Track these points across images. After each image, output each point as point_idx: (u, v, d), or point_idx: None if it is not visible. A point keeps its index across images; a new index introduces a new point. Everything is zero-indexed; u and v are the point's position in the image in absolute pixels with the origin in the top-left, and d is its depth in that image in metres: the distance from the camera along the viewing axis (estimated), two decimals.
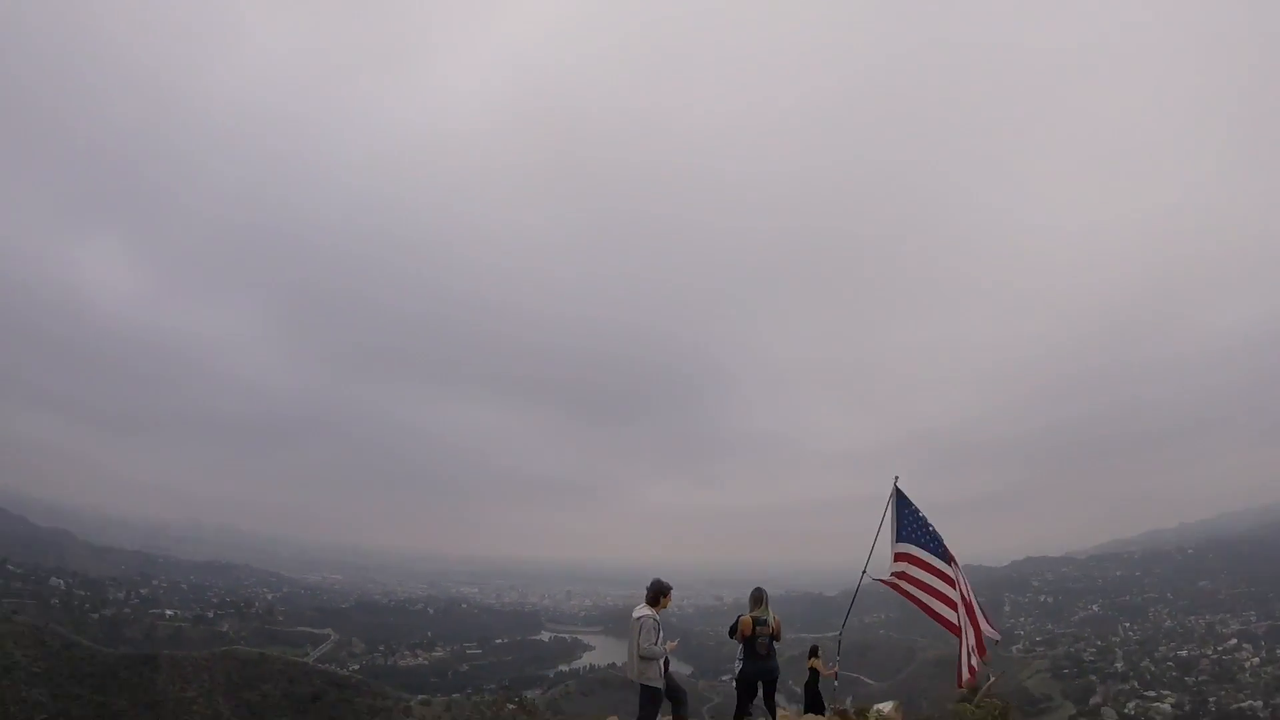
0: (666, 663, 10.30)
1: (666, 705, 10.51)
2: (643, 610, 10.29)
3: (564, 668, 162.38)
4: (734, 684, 11.69)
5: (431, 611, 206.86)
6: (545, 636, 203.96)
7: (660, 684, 10.05)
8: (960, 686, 12.40)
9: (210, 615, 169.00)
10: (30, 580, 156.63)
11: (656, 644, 9.99)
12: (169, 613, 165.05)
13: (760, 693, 11.70)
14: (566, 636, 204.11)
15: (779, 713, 12.23)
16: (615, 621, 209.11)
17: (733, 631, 11.78)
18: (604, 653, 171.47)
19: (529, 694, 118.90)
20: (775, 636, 11.56)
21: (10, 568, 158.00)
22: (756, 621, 11.47)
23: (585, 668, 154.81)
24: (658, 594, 10.41)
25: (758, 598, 11.78)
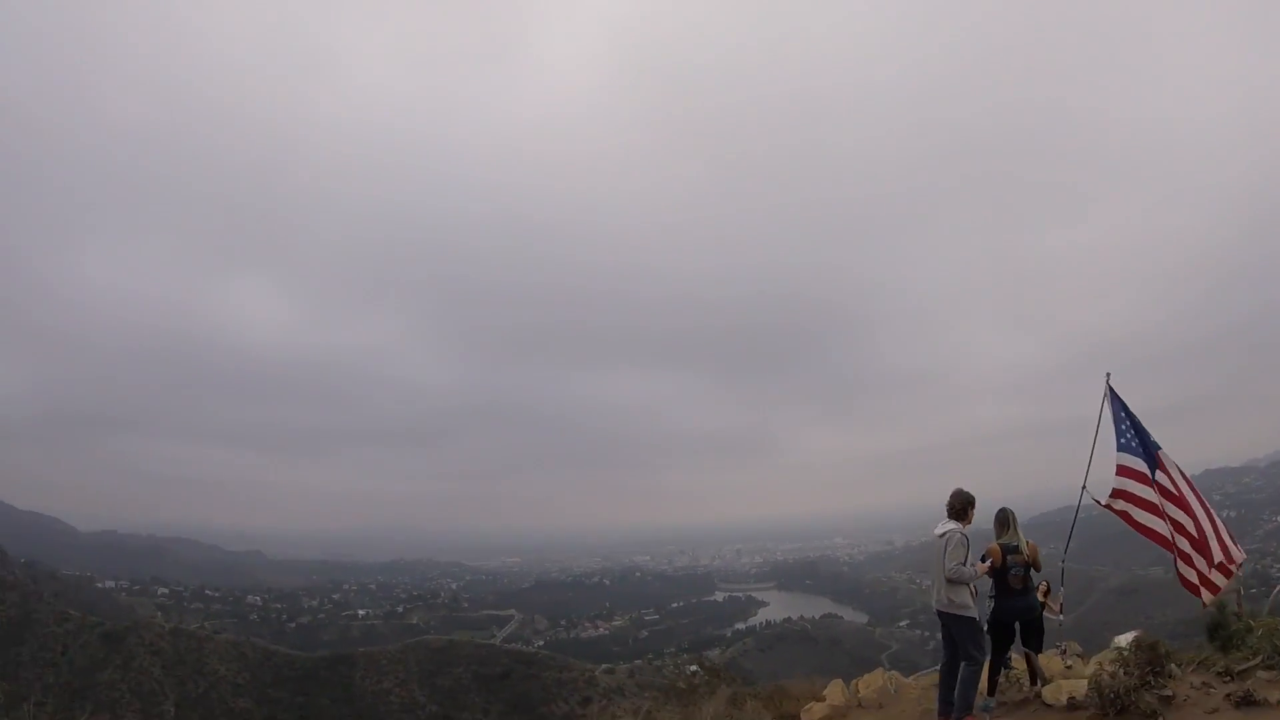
0: (975, 591, 8.42)
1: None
2: (948, 525, 8.51)
3: (740, 625, 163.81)
4: (985, 629, 8.80)
5: (608, 583, 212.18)
6: (719, 597, 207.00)
7: (973, 612, 8.33)
8: (1205, 606, 10.22)
9: (399, 610, 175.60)
10: (228, 601, 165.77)
11: (966, 563, 8.21)
12: (361, 613, 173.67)
13: (1019, 634, 9.16)
14: (740, 595, 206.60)
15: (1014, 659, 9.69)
16: (786, 576, 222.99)
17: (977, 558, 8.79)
18: (778, 608, 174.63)
19: (708, 654, 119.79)
20: (1033, 565, 8.96)
21: (209, 592, 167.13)
22: (1007, 549, 8.86)
23: (761, 624, 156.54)
24: (964, 505, 8.56)
25: (1004, 520, 9.08)
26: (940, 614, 8.51)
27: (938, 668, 9.62)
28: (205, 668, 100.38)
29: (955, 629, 8.40)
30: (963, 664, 8.33)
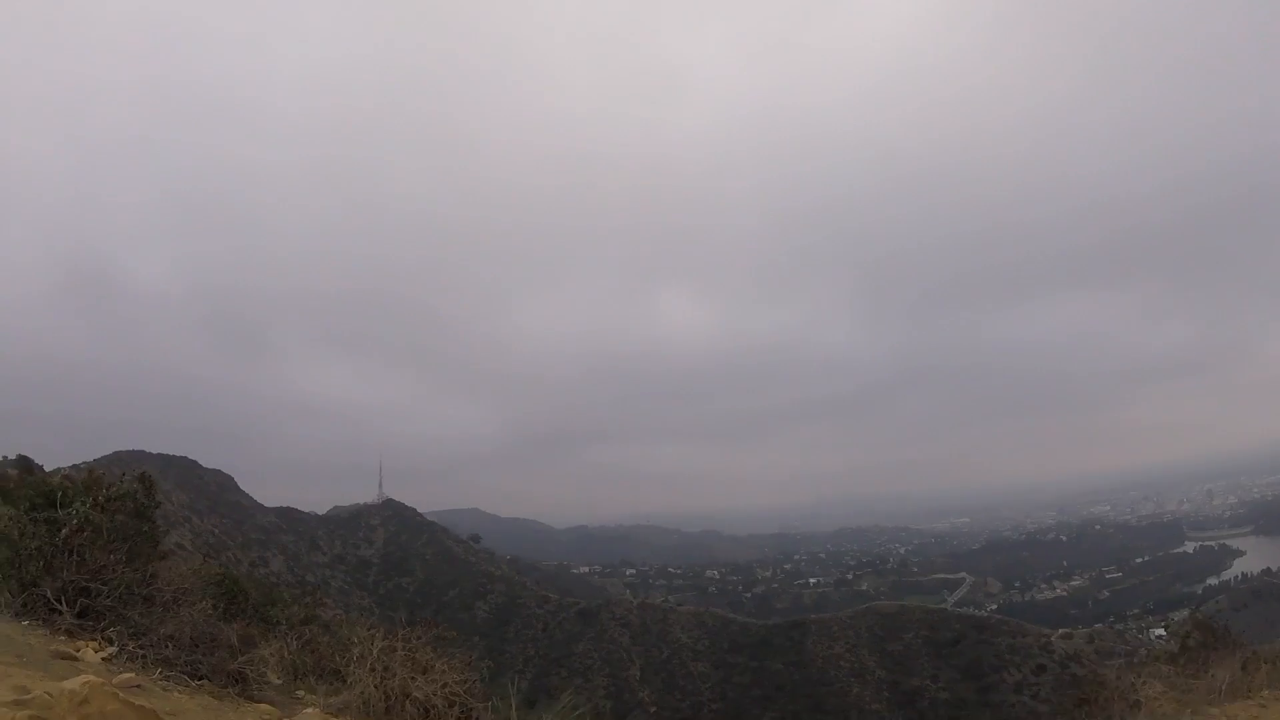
0: None
1: None
2: None
3: (1212, 581, 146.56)
4: None
5: (1064, 539, 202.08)
6: (1189, 547, 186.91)
7: None
8: None
9: (849, 577, 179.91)
10: (689, 576, 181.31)
11: None
12: (812, 581, 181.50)
13: None
14: (1212, 544, 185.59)
15: None
16: (1267, 517, 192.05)
17: None
18: (1256, 557, 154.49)
19: (1174, 616, 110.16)
20: None
21: (671, 570, 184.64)
22: None
23: (1236, 578, 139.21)
24: None
25: None
26: None
27: None
28: (668, 636, 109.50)
29: None
30: None
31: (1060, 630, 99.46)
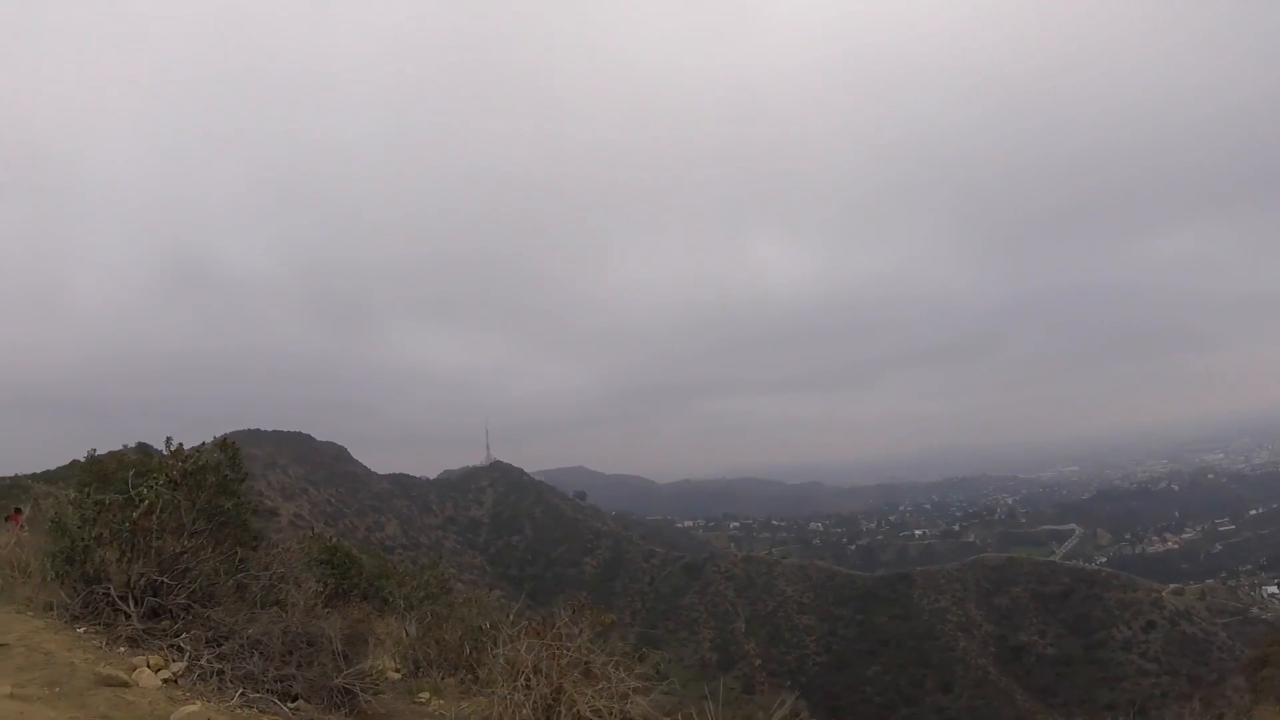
0: None
1: None
2: None
3: None
4: None
5: (1176, 488, 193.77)
6: None
7: None
8: None
9: (955, 529, 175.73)
10: (792, 529, 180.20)
11: None
12: (918, 533, 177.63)
13: None
14: None
15: None
16: None
17: None
18: None
19: None
20: None
21: (775, 523, 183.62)
22: None
23: None
24: None
25: None
26: None
27: None
28: (773, 589, 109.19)
29: None
30: None
31: (1171, 585, 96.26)
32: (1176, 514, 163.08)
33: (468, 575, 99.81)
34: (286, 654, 5.64)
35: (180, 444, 9.92)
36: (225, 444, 10.81)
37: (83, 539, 6.87)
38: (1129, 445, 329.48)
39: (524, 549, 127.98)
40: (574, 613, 5.91)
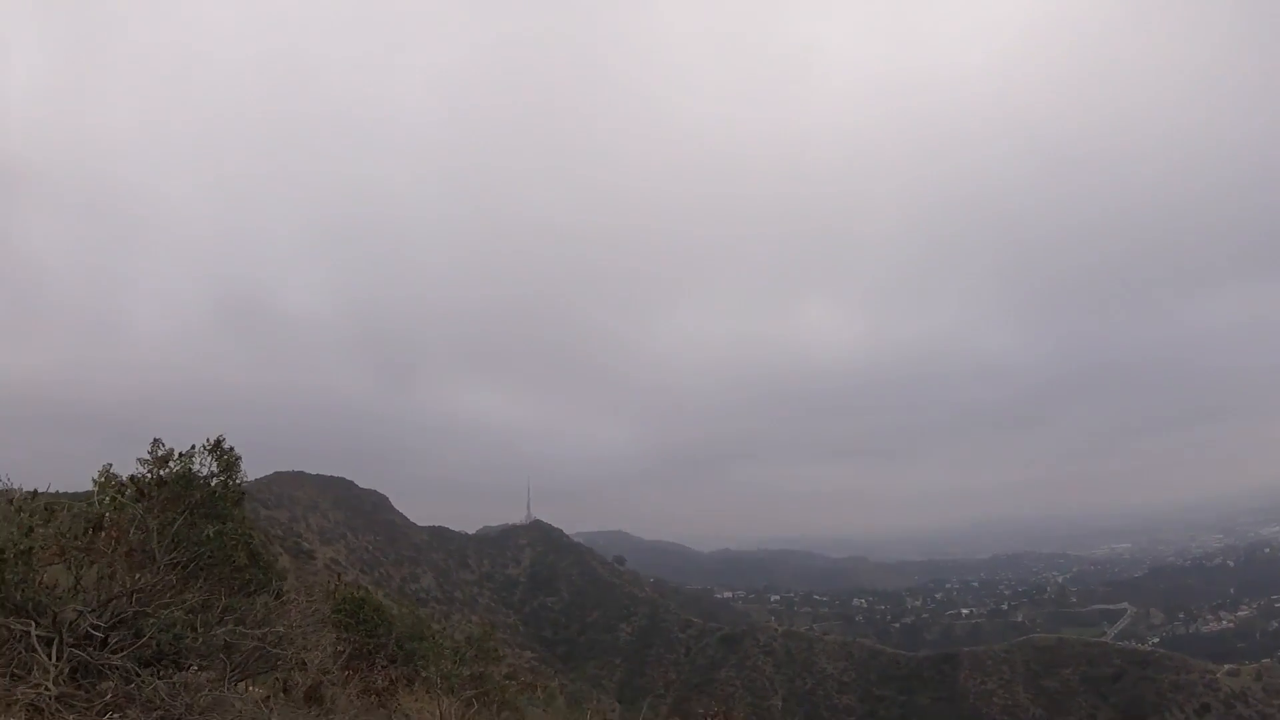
0: None
1: None
2: None
3: None
4: None
5: (1231, 564, 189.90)
6: None
7: None
8: None
9: (1004, 607, 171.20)
10: (834, 604, 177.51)
11: None
12: (964, 611, 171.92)
13: None
14: None
15: None
16: None
17: None
18: None
19: None
20: None
21: (816, 597, 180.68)
22: None
23: None
24: None
25: None
26: None
27: None
28: (813, 666, 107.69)
29: None
30: None
31: (1226, 666, 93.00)
32: (1232, 590, 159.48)
33: (501, 634, 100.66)
34: None
35: (171, 448, 8.20)
36: (219, 446, 8.74)
37: (14, 547, 5.09)
38: (1184, 518, 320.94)
39: (559, 611, 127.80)
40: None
